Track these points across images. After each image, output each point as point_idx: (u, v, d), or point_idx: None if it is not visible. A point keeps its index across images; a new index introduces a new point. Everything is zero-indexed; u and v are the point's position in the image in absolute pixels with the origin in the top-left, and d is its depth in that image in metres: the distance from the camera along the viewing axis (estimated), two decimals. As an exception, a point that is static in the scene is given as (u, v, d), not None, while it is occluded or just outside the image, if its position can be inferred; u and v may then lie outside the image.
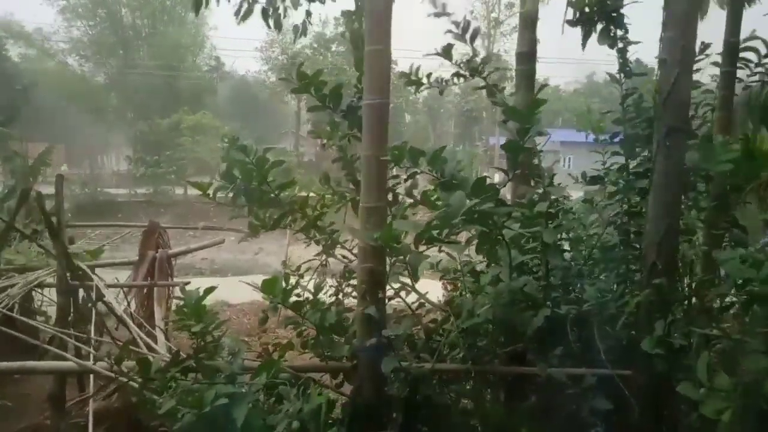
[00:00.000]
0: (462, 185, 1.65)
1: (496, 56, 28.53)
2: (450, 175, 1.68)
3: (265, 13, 2.74)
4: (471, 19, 2.26)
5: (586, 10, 2.05)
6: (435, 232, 1.67)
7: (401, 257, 1.86)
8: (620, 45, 2.14)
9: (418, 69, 2.43)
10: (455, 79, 2.38)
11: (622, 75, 2.15)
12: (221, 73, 31.46)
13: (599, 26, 2.12)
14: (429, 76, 2.44)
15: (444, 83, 2.47)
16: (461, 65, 2.32)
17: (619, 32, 2.10)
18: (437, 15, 2.25)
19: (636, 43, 2.10)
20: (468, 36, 2.25)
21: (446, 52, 2.27)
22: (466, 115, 34.24)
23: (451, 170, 1.69)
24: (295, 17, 2.98)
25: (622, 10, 2.11)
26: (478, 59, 2.28)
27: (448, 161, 1.70)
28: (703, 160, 1.73)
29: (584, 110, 2.44)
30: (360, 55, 2.14)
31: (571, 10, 2.20)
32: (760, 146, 2.56)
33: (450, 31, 2.28)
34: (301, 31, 2.88)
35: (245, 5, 2.74)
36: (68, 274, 3.59)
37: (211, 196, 2.24)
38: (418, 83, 2.44)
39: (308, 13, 2.89)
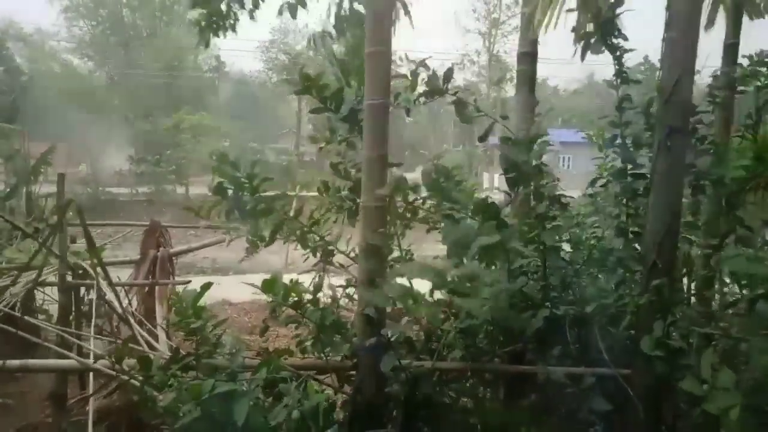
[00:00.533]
0: (463, 205, 1.67)
1: (496, 57, 28.52)
2: (450, 199, 1.69)
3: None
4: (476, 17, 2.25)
5: (589, 28, 2.07)
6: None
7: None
8: (617, 53, 2.15)
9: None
10: (421, 100, 2.35)
11: (619, 80, 2.18)
12: (222, 72, 31.51)
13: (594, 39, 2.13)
14: (397, 96, 2.40)
15: (411, 102, 2.42)
16: (425, 85, 2.27)
17: (615, 40, 2.11)
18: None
19: (631, 50, 2.13)
20: (420, 67, 2.21)
21: (413, 77, 2.21)
22: (466, 115, 34.18)
23: (450, 192, 1.70)
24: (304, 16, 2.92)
25: (619, 18, 2.11)
26: (439, 81, 2.23)
27: (447, 180, 1.71)
28: (715, 165, 1.74)
29: (585, 113, 2.46)
30: (354, 63, 2.15)
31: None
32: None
33: (410, 60, 2.24)
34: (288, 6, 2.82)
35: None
36: (69, 273, 3.61)
37: (204, 215, 2.26)
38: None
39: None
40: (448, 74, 2.24)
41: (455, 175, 2.19)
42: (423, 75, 2.23)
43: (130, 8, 27.29)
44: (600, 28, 2.05)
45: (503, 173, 1.81)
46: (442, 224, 1.80)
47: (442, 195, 1.70)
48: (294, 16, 2.90)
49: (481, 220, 1.66)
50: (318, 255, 2.43)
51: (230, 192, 2.16)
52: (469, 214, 1.69)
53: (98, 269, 3.40)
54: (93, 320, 3.50)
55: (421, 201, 2.32)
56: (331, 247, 2.39)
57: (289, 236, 2.33)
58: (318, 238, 2.36)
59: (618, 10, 2.04)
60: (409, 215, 2.34)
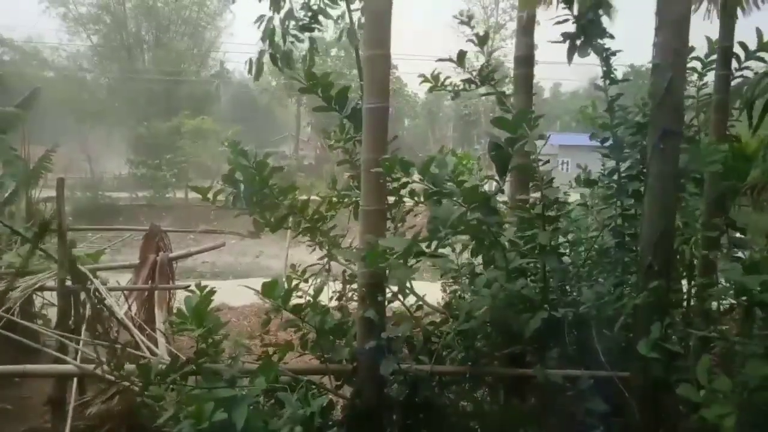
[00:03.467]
0: (452, 194, 1.67)
1: (496, 60, 28.63)
2: (440, 184, 1.69)
3: (274, 60, 2.77)
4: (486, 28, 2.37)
5: (571, 22, 2.09)
6: (424, 245, 1.68)
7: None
8: (603, 54, 2.18)
9: (438, 74, 2.50)
10: (467, 86, 2.43)
11: (608, 82, 2.20)
12: (224, 78, 31.57)
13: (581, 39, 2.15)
14: (446, 79, 2.49)
15: (457, 89, 2.52)
16: (472, 72, 2.38)
17: (600, 41, 2.14)
18: (461, 22, 2.49)
19: (618, 51, 2.15)
20: (486, 48, 2.34)
21: (460, 59, 2.34)
22: (465, 119, 34.34)
23: (441, 179, 1.70)
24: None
25: (606, 20, 2.14)
26: (488, 68, 2.35)
27: (438, 170, 1.71)
28: (691, 161, 1.75)
29: (585, 108, 2.46)
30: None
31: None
32: (747, 147, 2.58)
33: (471, 41, 2.39)
34: (309, 60, 2.91)
35: (254, 63, 2.76)
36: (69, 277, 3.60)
37: (211, 200, 2.28)
38: (437, 88, 2.52)
39: (312, 41, 2.93)
40: (497, 65, 2.32)
41: (461, 172, 2.22)
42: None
43: (132, 14, 27.39)
44: (583, 30, 2.06)
45: (488, 155, 1.80)
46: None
47: (432, 181, 1.70)
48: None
49: (469, 204, 1.66)
50: (323, 249, 2.46)
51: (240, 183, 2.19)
52: (459, 200, 1.69)
53: (97, 274, 3.40)
54: (89, 324, 3.50)
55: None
56: (338, 238, 2.43)
57: (295, 225, 2.38)
58: (324, 230, 2.40)
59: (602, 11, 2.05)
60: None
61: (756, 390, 1.36)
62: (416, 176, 1.78)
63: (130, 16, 27.21)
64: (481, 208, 1.61)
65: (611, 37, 2.10)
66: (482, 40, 2.35)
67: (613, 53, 2.14)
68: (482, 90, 2.44)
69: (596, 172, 2.51)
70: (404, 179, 1.87)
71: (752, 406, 1.36)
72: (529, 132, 1.67)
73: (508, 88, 2.60)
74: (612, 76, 2.18)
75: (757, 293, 1.49)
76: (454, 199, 1.70)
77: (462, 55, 2.32)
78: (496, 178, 1.88)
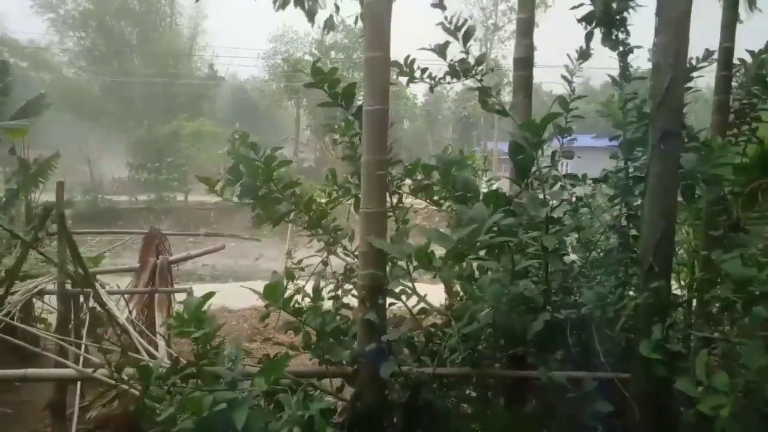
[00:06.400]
0: (475, 196, 1.67)
1: (495, 62, 28.70)
2: (462, 186, 1.69)
3: (300, 2, 2.78)
4: (469, 19, 2.26)
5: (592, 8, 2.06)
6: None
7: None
8: (621, 49, 2.16)
9: (413, 61, 2.37)
10: (447, 78, 2.37)
11: (623, 79, 2.18)
12: (219, 80, 31.62)
13: (602, 29, 2.14)
14: (424, 71, 2.42)
15: (436, 81, 2.45)
16: (455, 64, 2.31)
17: (621, 36, 2.12)
18: (433, 5, 2.22)
19: (638, 47, 2.13)
20: (460, 34, 2.20)
21: (441, 50, 2.22)
22: (464, 121, 34.40)
23: (463, 181, 1.70)
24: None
25: (625, 14, 2.12)
26: (471, 60, 2.27)
27: (459, 171, 1.71)
28: (700, 163, 1.75)
29: (611, 99, 2.41)
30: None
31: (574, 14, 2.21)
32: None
33: (441, 24, 2.21)
34: (330, 25, 2.92)
35: None
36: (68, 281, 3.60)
37: (218, 192, 2.30)
38: (410, 76, 2.38)
39: (336, 8, 2.95)
40: (481, 58, 2.23)
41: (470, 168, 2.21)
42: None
43: (120, 17, 27.34)
44: (607, 18, 2.04)
45: (510, 159, 1.79)
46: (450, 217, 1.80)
47: (453, 183, 1.70)
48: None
49: (493, 207, 1.66)
50: (323, 243, 2.47)
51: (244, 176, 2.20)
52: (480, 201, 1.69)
53: (98, 277, 3.40)
54: (89, 328, 3.49)
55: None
56: (340, 231, 2.44)
57: (297, 219, 2.39)
58: (325, 228, 2.39)
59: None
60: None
61: (752, 383, 1.36)
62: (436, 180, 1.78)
63: (120, 17, 27.24)
64: (508, 212, 1.62)
65: (628, 34, 2.09)
66: (457, 27, 2.19)
67: (631, 49, 2.12)
68: (466, 85, 2.39)
69: (594, 173, 2.51)
70: (425, 182, 1.87)
71: (749, 399, 1.36)
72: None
73: (508, 91, 2.59)
74: (627, 73, 2.16)
75: (756, 288, 1.48)
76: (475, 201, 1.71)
77: (444, 46, 2.25)
78: (504, 176, 1.88)
